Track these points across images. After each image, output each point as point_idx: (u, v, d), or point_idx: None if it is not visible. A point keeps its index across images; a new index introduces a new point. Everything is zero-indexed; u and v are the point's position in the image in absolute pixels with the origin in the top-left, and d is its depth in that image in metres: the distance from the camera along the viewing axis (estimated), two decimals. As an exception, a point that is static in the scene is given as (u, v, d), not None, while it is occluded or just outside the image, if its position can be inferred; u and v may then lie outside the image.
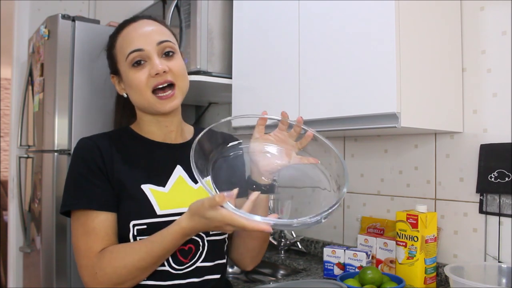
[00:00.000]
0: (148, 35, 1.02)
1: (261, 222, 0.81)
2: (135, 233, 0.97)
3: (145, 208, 0.98)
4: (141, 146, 1.07)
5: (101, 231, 0.95)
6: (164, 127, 1.09)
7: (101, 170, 0.99)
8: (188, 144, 1.09)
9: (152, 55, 1.01)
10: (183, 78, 1.05)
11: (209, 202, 0.83)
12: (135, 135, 1.10)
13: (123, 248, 0.94)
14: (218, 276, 1.05)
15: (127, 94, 1.08)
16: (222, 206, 0.82)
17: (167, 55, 1.03)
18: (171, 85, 1.02)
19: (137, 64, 1.01)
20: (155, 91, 1.01)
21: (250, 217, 0.81)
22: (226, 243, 1.10)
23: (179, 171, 1.06)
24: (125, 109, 1.15)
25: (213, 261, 1.04)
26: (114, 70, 1.09)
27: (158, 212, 0.98)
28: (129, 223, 0.97)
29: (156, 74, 0.99)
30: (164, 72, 1.00)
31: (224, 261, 1.08)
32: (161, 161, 1.06)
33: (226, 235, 1.09)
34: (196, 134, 1.13)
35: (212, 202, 0.82)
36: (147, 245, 0.93)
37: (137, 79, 1.01)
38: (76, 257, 0.97)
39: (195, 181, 1.06)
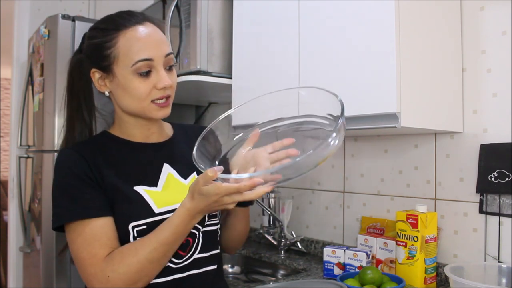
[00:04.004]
0: (159, 45, 1.00)
1: (255, 176, 0.82)
2: (136, 235, 0.96)
3: (143, 208, 0.98)
4: (125, 149, 1.06)
5: (102, 237, 0.94)
6: (147, 130, 1.08)
7: (90, 178, 0.97)
8: (170, 141, 1.12)
9: (159, 67, 0.99)
10: (174, 92, 1.06)
11: (202, 179, 0.86)
12: (116, 139, 1.08)
13: (132, 245, 0.94)
14: (215, 266, 1.07)
15: (109, 93, 1.04)
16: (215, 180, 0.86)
17: (170, 69, 1.03)
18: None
19: (145, 74, 0.99)
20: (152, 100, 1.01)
21: (242, 176, 0.83)
22: (219, 234, 1.11)
23: (167, 169, 1.07)
24: (89, 111, 1.10)
25: (209, 252, 1.06)
26: (103, 67, 1.01)
27: (156, 211, 0.98)
28: (128, 226, 0.96)
29: (163, 87, 0.99)
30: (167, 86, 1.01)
31: (218, 251, 1.10)
32: (147, 161, 1.06)
33: (219, 226, 1.10)
34: (174, 130, 1.16)
35: (205, 178, 0.86)
36: (157, 234, 0.93)
37: (140, 89, 0.99)
38: (80, 267, 0.94)
39: (185, 177, 1.07)
